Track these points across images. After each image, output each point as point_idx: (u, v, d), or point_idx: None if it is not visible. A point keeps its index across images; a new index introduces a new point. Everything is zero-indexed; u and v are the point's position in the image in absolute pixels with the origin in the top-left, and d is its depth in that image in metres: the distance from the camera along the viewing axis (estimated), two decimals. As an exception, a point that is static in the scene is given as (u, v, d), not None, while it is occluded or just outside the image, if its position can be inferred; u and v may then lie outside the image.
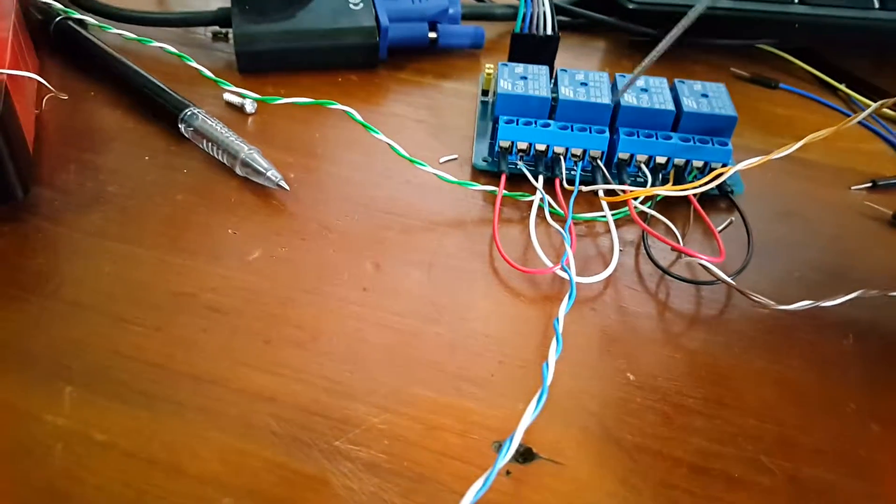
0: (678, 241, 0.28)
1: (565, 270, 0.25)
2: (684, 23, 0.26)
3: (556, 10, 0.34)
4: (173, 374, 0.23)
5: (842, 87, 0.37)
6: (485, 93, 0.34)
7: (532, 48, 0.34)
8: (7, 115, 0.26)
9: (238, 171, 0.29)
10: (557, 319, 0.23)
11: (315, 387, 0.23)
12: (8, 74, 0.27)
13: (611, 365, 0.24)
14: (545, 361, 0.21)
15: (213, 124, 0.30)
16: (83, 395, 0.22)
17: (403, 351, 0.24)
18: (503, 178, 0.29)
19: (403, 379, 0.23)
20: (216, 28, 0.36)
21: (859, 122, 0.33)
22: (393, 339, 0.24)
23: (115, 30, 0.30)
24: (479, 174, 0.31)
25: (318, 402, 0.22)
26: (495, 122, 0.30)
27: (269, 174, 0.28)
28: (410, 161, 0.29)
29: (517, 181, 0.30)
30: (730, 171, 0.27)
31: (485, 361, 0.24)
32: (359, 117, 0.28)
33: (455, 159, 0.31)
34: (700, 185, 0.27)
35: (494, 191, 0.29)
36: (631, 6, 0.36)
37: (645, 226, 0.27)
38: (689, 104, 0.30)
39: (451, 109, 0.34)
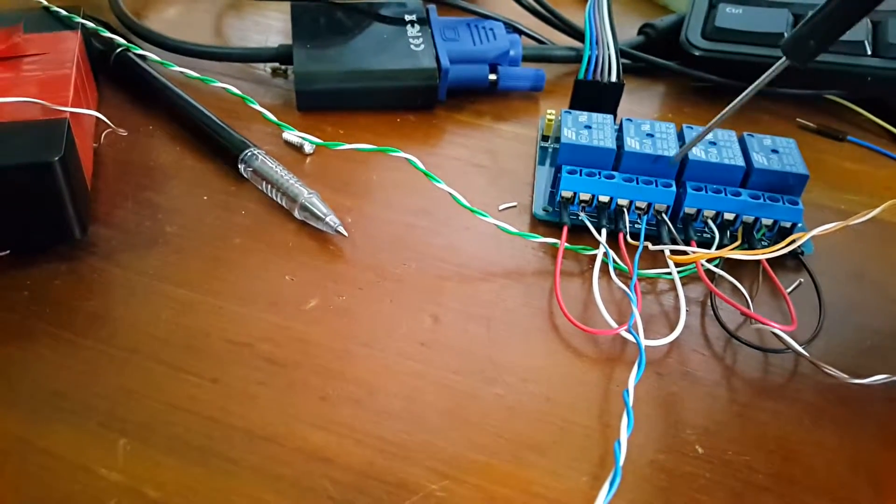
0: (747, 303, 0.27)
1: (633, 335, 0.24)
2: (766, 77, 0.25)
3: (621, 54, 0.33)
4: (228, 428, 0.22)
5: (913, 141, 0.35)
6: (545, 138, 0.34)
7: (595, 94, 0.33)
8: (69, 154, 0.25)
9: (297, 214, 0.29)
10: (627, 391, 0.22)
11: (371, 448, 0.22)
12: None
13: (678, 436, 0.23)
14: (617, 440, 0.20)
15: (273, 166, 0.29)
16: (137, 448, 0.21)
17: (462, 413, 0.23)
18: (565, 230, 0.28)
19: (462, 443, 0.22)
20: (276, 64, 0.36)
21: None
22: (451, 399, 0.23)
23: (177, 67, 0.30)
24: (538, 224, 0.30)
25: (375, 464, 0.22)
26: (557, 171, 0.30)
27: (328, 220, 0.28)
28: (472, 211, 0.28)
29: (579, 233, 0.29)
30: (805, 237, 0.26)
31: (546, 427, 0.23)
32: (421, 166, 0.28)
33: (514, 207, 0.31)
34: (774, 251, 0.26)
35: (555, 243, 0.28)
36: (697, 53, 0.35)
37: (714, 288, 0.26)
38: (759, 160, 0.29)
39: (510, 154, 0.34)
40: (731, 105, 0.26)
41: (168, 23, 0.40)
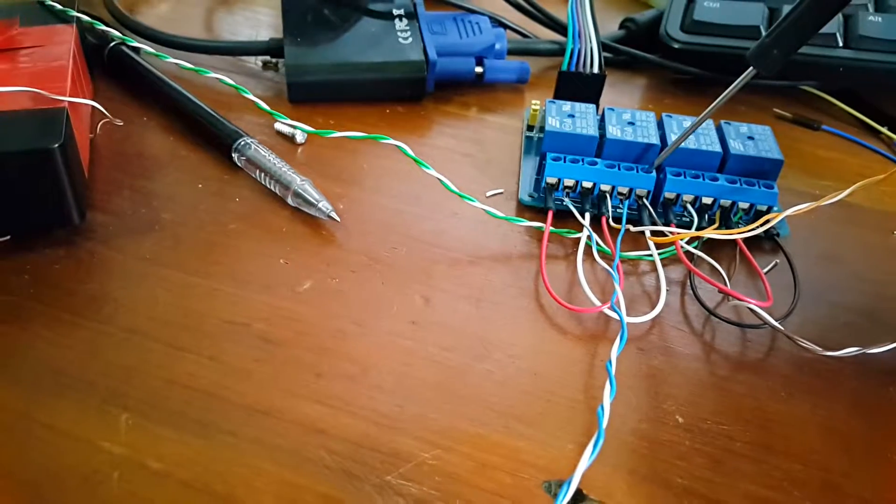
0: (724, 283, 0.28)
1: (615, 311, 0.25)
2: (735, 86, 0.27)
3: (602, 47, 0.34)
4: (227, 403, 0.23)
5: (884, 130, 0.37)
6: (530, 128, 0.35)
7: (578, 85, 0.34)
8: (68, 141, 0.26)
9: (290, 201, 0.29)
10: (610, 362, 0.23)
11: (366, 420, 0.23)
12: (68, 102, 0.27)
13: (660, 407, 0.24)
14: (600, 405, 0.22)
15: (266, 154, 0.30)
16: (139, 422, 0.22)
17: (452, 386, 0.24)
18: (550, 214, 0.29)
19: (453, 415, 0.23)
20: (267, 57, 0.37)
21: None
22: (442, 374, 0.24)
23: (171, 59, 0.31)
24: (524, 209, 0.31)
25: (369, 435, 0.22)
26: (542, 158, 0.31)
27: (320, 206, 0.29)
28: (460, 196, 0.29)
29: (563, 217, 0.30)
30: (779, 217, 0.27)
31: (533, 399, 0.24)
32: (411, 153, 0.29)
33: (501, 193, 0.32)
34: (749, 230, 0.27)
35: (541, 227, 0.29)
36: (676, 46, 0.36)
37: (693, 267, 0.27)
38: (735, 146, 0.30)
39: (496, 143, 0.34)
40: (705, 111, 0.28)
41: (159, 18, 0.41)
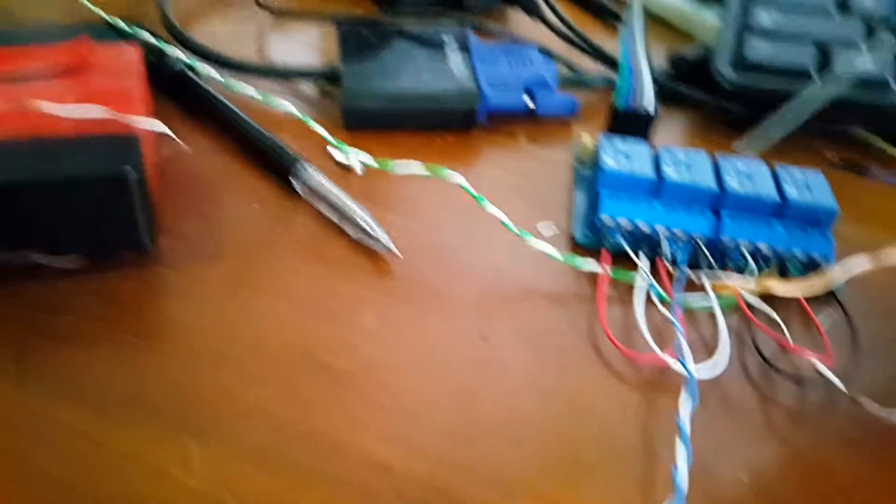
0: (782, 333, 0.28)
1: (682, 363, 0.25)
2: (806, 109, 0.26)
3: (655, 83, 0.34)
4: (297, 435, 0.23)
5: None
6: (581, 162, 0.35)
7: (631, 122, 0.34)
8: (141, 167, 0.26)
9: (348, 231, 0.30)
10: (680, 420, 0.23)
11: (431, 460, 0.23)
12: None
13: (723, 464, 0.24)
14: (673, 465, 0.22)
15: (325, 182, 0.31)
16: (208, 451, 0.23)
17: (516, 432, 0.24)
18: (607, 255, 0.30)
19: (517, 461, 0.23)
20: (323, 83, 0.37)
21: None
22: (505, 418, 0.25)
23: (242, 88, 0.31)
24: (577, 247, 0.31)
25: (437, 478, 0.23)
26: (597, 197, 0.31)
27: (380, 238, 0.29)
28: (518, 235, 0.29)
29: (617, 258, 0.30)
30: (841, 277, 0.27)
31: (596, 449, 0.24)
32: (472, 190, 0.29)
33: (554, 229, 0.32)
34: (811, 287, 0.27)
35: (597, 268, 0.29)
36: (728, 86, 0.37)
37: (754, 318, 0.27)
38: (791, 193, 0.30)
39: (545, 175, 0.35)
40: (781, 127, 0.27)
41: (212, 37, 0.41)
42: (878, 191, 0.36)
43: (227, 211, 0.31)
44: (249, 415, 0.24)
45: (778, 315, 0.29)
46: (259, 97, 0.31)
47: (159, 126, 0.29)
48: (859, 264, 0.27)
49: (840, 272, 0.27)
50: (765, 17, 0.38)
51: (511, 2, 0.44)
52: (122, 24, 0.33)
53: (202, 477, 0.22)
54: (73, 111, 0.27)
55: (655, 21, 0.47)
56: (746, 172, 0.31)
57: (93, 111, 0.27)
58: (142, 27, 0.35)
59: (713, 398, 0.26)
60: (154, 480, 0.22)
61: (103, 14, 0.34)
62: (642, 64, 0.34)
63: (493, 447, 0.24)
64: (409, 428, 0.24)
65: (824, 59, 0.37)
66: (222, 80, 0.33)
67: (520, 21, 0.44)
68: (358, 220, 0.29)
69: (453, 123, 0.36)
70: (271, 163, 0.32)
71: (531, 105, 0.37)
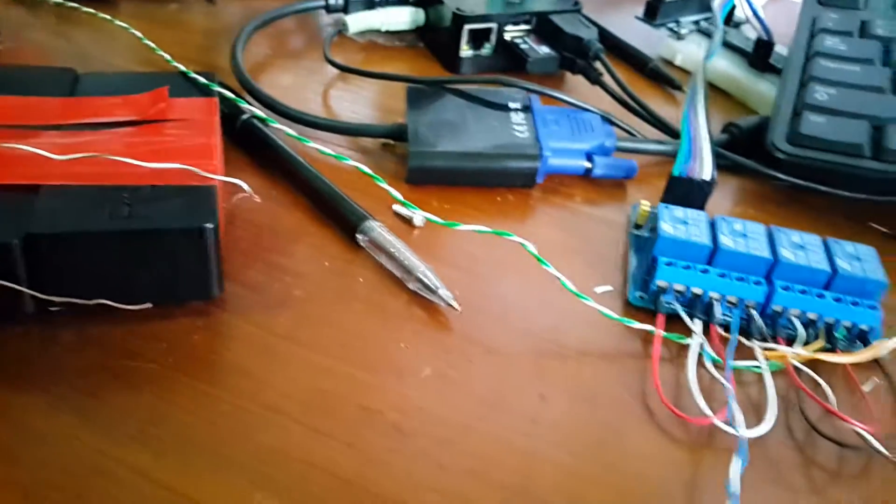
0: (828, 400, 0.29)
1: (733, 427, 0.26)
2: None
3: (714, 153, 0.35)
4: (364, 493, 0.24)
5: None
6: (637, 226, 0.36)
7: (688, 190, 0.35)
8: (216, 222, 0.28)
9: (410, 286, 0.31)
10: (730, 483, 0.24)
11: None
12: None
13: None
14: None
15: (390, 238, 0.32)
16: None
17: (574, 491, 0.25)
18: (662, 318, 0.30)
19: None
20: (388, 140, 0.39)
21: None
22: (564, 480, 0.25)
23: (312, 144, 0.33)
24: (630, 308, 0.32)
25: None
26: (654, 261, 0.32)
27: (440, 293, 0.30)
28: (576, 295, 0.30)
29: (669, 321, 0.31)
30: (887, 347, 0.28)
31: (651, 509, 0.25)
32: (534, 251, 0.30)
33: (610, 291, 0.33)
34: (860, 355, 0.28)
35: (652, 330, 0.30)
36: (781, 156, 0.37)
37: (803, 386, 0.28)
38: (842, 265, 0.31)
39: (600, 237, 0.36)
40: None
41: (281, 89, 0.43)
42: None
43: (294, 262, 0.32)
44: (318, 469, 0.24)
45: (822, 377, 0.29)
46: (331, 154, 0.32)
47: (235, 180, 0.31)
48: None
49: (885, 346, 0.27)
50: (821, 92, 0.39)
51: (572, 69, 0.45)
52: (200, 79, 0.35)
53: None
54: (155, 163, 0.29)
55: (712, 89, 0.48)
56: (800, 244, 0.32)
57: (173, 165, 0.29)
58: (217, 80, 0.36)
59: (760, 460, 0.27)
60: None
61: (182, 68, 0.36)
62: (702, 132, 0.35)
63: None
64: (468, 488, 0.24)
65: (877, 135, 0.37)
66: (294, 134, 0.34)
67: (578, 85, 0.46)
68: (419, 273, 0.30)
69: (514, 183, 0.37)
70: (338, 217, 0.33)
71: (589, 167, 0.38)
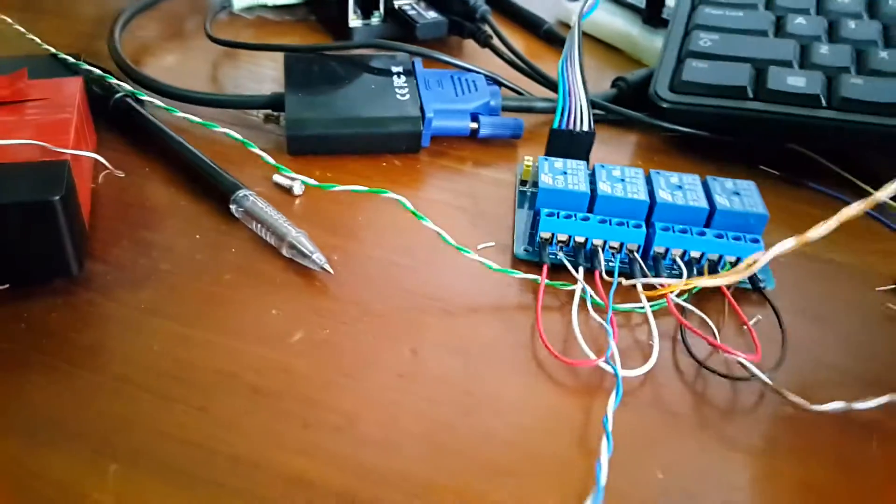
0: (714, 335, 0.28)
1: (610, 365, 0.25)
2: None
3: (592, 105, 0.35)
4: (214, 454, 0.23)
5: (869, 188, 0.37)
6: (523, 182, 0.35)
7: (569, 142, 0.35)
8: (69, 193, 0.27)
9: (284, 252, 0.30)
10: (606, 418, 0.23)
11: (351, 473, 0.23)
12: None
13: (645, 464, 0.24)
14: (597, 460, 0.22)
15: (263, 206, 0.31)
16: (128, 473, 0.23)
17: (438, 441, 0.24)
18: (545, 268, 0.30)
19: (438, 469, 0.23)
20: (268, 111, 0.38)
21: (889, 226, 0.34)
22: (428, 428, 0.25)
23: (180, 113, 0.32)
24: (519, 263, 0.32)
25: (353, 489, 0.23)
26: (536, 214, 0.31)
27: (314, 257, 0.29)
28: (456, 248, 0.29)
29: (556, 271, 0.30)
30: (765, 257, 0.27)
31: (521, 454, 0.24)
32: (410, 206, 0.29)
33: (492, 246, 0.32)
34: (735, 274, 0.27)
35: (536, 279, 0.30)
36: (664, 105, 0.37)
37: (683, 320, 0.28)
38: (721, 202, 0.31)
39: (490, 197, 0.35)
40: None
41: (165, 70, 0.42)
42: (816, 202, 0.36)
43: (163, 237, 0.31)
44: (168, 436, 0.24)
45: (711, 318, 0.29)
46: (199, 121, 0.32)
47: (89, 153, 0.30)
48: (782, 246, 0.26)
49: (763, 256, 0.27)
50: (705, 39, 0.39)
51: (462, 33, 0.45)
52: (66, 58, 0.34)
53: (117, 496, 0.22)
54: (4, 140, 0.28)
55: (608, 48, 0.48)
56: (678, 185, 0.32)
57: (20, 141, 0.28)
58: (88, 61, 0.35)
59: (647, 399, 0.26)
60: (71, 501, 0.22)
61: (48, 47, 0.35)
62: (579, 84, 0.35)
63: (413, 457, 0.24)
64: (330, 443, 0.24)
65: (760, 78, 0.37)
66: (162, 105, 0.33)
67: (471, 51, 0.46)
68: (291, 238, 0.30)
69: (399, 147, 0.37)
70: (211, 189, 0.32)
71: (475, 128, 0.37)
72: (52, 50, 0.35)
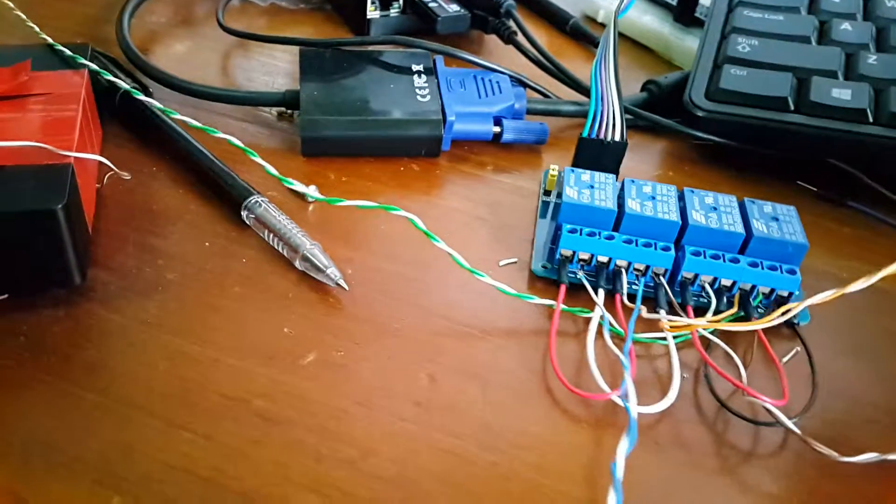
0: (739, 373, 0.27)
1: (624, 404, 0.24)
2: None
3: (624, 113, 0.33)
4: (222, 489, 0.22)
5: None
6: (547, 192, 0.34)
7: (599, 152, 0.33)
8: (72, 201, 0.25)
9: (297, 265, 0.29)
10: (615, 465, 0.22)
11: (363, 512, 0.22)
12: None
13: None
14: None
15: (276, 214, 0.30)
16: (129, 505, 0.21)
17: (456, 479, 0.23)
18: (562, 290, 0.28)
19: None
20: (282, 109, 0.36)
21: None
22: (445, 464, 0.23)
23: (179, 115, 0.30)
24: (537, 279, 0.30)
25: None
26: (558, 229, 0.30)
27: (328, 272, 0.28)
28: (470, 271, 0.28)
29: (576, 290, 0.29)
30: (799, 308, 0.26)
31: (537, 496, 0.23)
32: (421, 225, 0.28)
33: (514, 263, 0.31)
34: (768, 322, 0.26)
35: (551, 304, 0.28)
36: (700, 113, 0.35)
37: (708, 358, 0.26)
38: (758, 227, 0.29)
39: (511, 206, 0.34)
40: None
41: (175, 59, 0.40)
42: (855, 222, 0.35)
43: (171, 243, 0.30)
44: (174, 467, 0.22)
45: (737, 353, 0.27)
46: (200, 126, 0.30)
47: (93, 156, 0.28)
48: (821, 297, 0.25)
49: (798, 306, 0.26)
50: (743, 43, 0.37)
51: (485, 28, 0.43)
52: (65, 51, 0.32)
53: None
54: (5, 141, 0.26)
55: (638, 46, 0.46)
56: (713, 206, 0.30)
57: (22, 143, 0.26)
58: (96, 50, 0.34)
59: (664, 438, 0.25)
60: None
61: (50, 40, 0.33)
62: (613, 90, 0.33)
63: (429, 497, 0.22)
64: (343, 479, 0.23)
65: (802, 88, 0.35)
66: (160, 106, 0.31)
67: (494, 47, 0.44)
68: (305, 251, 0.28)
69: (418, 151, 0.35)
70: (221, 193, 0.31)
71: (498, 132, 0.36)
72: (51, 40, 0.33)
